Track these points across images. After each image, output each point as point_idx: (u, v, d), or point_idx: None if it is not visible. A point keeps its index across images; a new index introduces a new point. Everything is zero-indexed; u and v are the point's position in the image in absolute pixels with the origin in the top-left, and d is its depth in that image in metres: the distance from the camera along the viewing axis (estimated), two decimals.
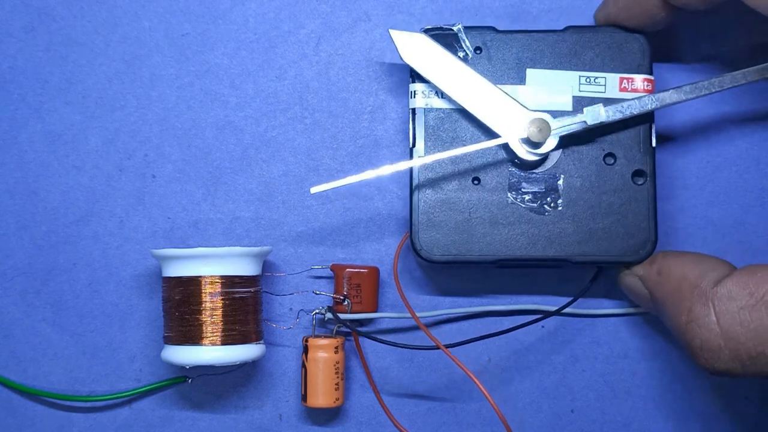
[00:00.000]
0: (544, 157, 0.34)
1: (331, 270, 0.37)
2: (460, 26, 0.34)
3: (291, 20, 0.38)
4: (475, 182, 0.34)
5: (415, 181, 0.34)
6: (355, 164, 0.38)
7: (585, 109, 0.33)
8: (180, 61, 0.38)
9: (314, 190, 0.33)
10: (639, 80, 0.34)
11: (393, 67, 0.38)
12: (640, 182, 0.34)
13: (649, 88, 0.34)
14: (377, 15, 0.38)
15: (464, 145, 0.34)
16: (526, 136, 0.33)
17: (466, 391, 0.37)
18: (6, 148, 0.38)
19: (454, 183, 0.34)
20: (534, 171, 0.34)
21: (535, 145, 0.33)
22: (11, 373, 0.38)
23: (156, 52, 0.38)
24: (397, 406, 0.37)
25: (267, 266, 0.37)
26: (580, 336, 0.37)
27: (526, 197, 0.34)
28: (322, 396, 0.35)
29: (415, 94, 0.34)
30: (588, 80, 0.34)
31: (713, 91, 0.33)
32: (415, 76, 0.34)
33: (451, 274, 0.37)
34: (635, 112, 0.33)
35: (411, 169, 0.34)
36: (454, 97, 0.33)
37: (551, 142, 0.33)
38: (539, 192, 0.34)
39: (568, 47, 0.34)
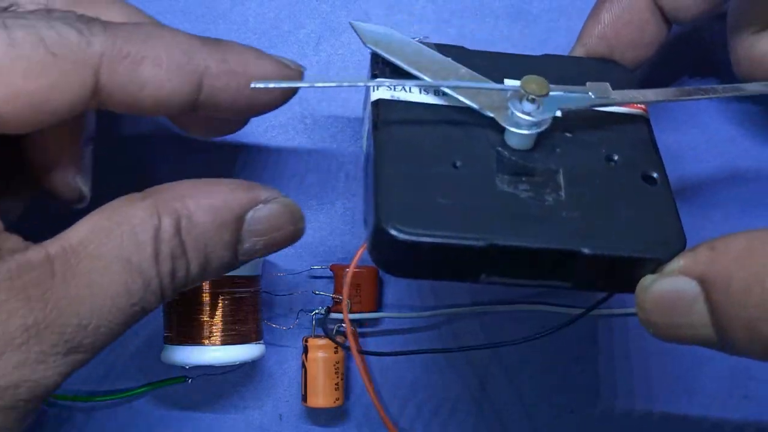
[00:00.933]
0: (536, 142, 0.27)
1: (330, 270, 0.37)
2: (421, 39, 0.30)
3: (291, 20, 0.38)
4: (456, 166, 0.26)
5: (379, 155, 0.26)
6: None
7: (589, 84, 0.28)
8: None
9: (255, 84, 0.26)
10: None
11: None
12: (652, 184, 0.27)
13: (641, 107, 0.30)
14: (377, 15, 0.38)
15: (435, 143, 0.27)
16: (522, 95, 0.26)
17: (467, 392, 0.37)
18: None
19: (431, 165, 0.26)
20: (527, 159, 0.27)
21: (532, 108, 0.26)
22: None
23: None
24: (397, 406, 0.37)
25: (267, 266, 0.37)
26: (581, 336, 0.37)
27: (521, 185, 0.26)
28: (322, 396, 0.35)
29: (377, 87, 0.28)
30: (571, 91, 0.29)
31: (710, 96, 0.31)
32: (379, 72, 0.30)
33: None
34: (639, 98, 0.29)
35: (370, 134, 0.28)
36: (430, 78, 0.28)
37: (547, 115, 0.27)
38: (536, 181, 0.26)
39: (543, 71, 0.27)
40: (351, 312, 0.36)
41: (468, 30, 0.38)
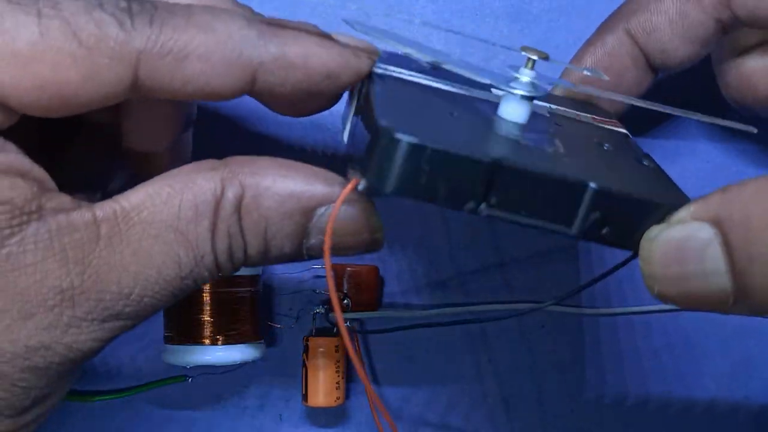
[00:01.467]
0: (528, 122, 0.26)
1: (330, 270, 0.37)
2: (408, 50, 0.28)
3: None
4: (453, 114, 0.25)
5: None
6: None
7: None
8: None
9: None
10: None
11: None
12: (646, 163, 0.27)
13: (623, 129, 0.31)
14: (377, 15, 0.38)
15: (431, 102, 0.26)
16: (524, 64, 0.26)
17: (467, 392, 0.37)
18: None
19: (428, 108, 0.25)
20: (521, 131, 0.26)
21: (530, 74, 0.26)
22: None
23: None
24: (398, 407, 0.37)
25: (267, 266, 0.37)
26: (580, 336, 0.37)
27: (520, 138, 0.25)
28: (323, 395, 0.35)
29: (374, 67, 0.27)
30: (558, 108, 0.30)
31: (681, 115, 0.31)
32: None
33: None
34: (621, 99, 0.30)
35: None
36: (423, 52, 0.28)
37: (543, 84, 0.26)
38: (534, 137, 0.25)
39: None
40: (351, 312, 0.36)
41: (468, 30, 0.38)
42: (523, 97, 0.25)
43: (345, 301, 0.36)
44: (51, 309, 0.21)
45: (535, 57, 0.25)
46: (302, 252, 0.24)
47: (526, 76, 0.26)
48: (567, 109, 0.30)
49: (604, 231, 0.23)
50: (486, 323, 0.37)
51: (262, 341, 0.36)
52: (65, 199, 0.22)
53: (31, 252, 0.20)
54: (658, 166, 0.27)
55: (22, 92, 0.21)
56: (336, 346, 0.35)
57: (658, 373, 0.37)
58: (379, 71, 0.27)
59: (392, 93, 0.25)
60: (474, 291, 0.38)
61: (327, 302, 0.36)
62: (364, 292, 0.36)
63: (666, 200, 0.23)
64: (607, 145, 0.27)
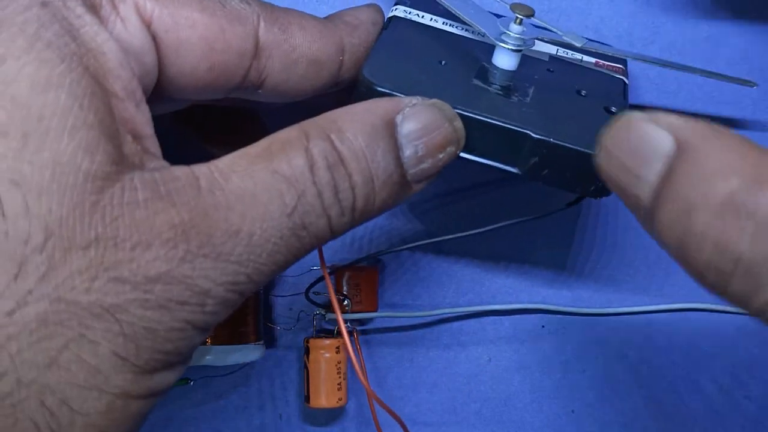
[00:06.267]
0: (519, 68, 0.30)
1: (330, 270, 0.37)
2: None
3: None
4: (442, 63, 0.30)
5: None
6: None
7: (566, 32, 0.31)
8: None
9: None
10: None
11: None
12: (610, 114, 0.30)
13: (622, 75, 0.33)
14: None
15: (431, 48, 0.31)
16: (513, 19, 0.30)
17: (466, 392, 0.37)
18: None
19: (421, 58, 0.30)
20: (506, 77, 0.30)
21: (518, 29, 0.30)
22: None
23: None
24: (398, 407, 0.37)
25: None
26: (580, 336, 0.37)
27: (493, 86, 0.30)
28: (325, 397, 0.35)
29: (396, 9, 0.32)
30: (565, 52, 0.34)
31: (685, 70, 0.32)
32: (399, 1, 0.33)
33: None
34: (610, 53, 0.32)
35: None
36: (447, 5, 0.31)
37: (529, 37, 0.30)
38: (508, 86, 0.30)
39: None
40: (351, 312, 0.36)
41: None
42: (511, 49, 0.30)
43: (345, 302, 0.36)
44: (166, 242, 0.21)
45: (521, 15, 0.30)
46: (404, 168, 0.25)
47: (514, 32, 0.30)
48: (572, 53, 0.33)
49: (545, 173, 0.28)
50: (486, 323, 0.37)
51: (263, 342, 0.36)
52: (164, 162, 0.23)
53: (141, 190, 0.21)
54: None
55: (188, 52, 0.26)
56: (337, 347, 0.35)
57: (657, 373, 0.37)
58: (401, 14, 0.32)
59: (397, 39, 0.30)
60: (474, 292, 0.38)
61: (327, 304, 0.36)
62: (364, 293, 0.36)
63: (593, 148, 0.24)
64: (584, 91, 0.31)
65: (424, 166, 0.25)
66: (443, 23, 0.33)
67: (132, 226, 0.21)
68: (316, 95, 0.30)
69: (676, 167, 0.19)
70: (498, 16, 0.32)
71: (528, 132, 0.27)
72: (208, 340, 0.34)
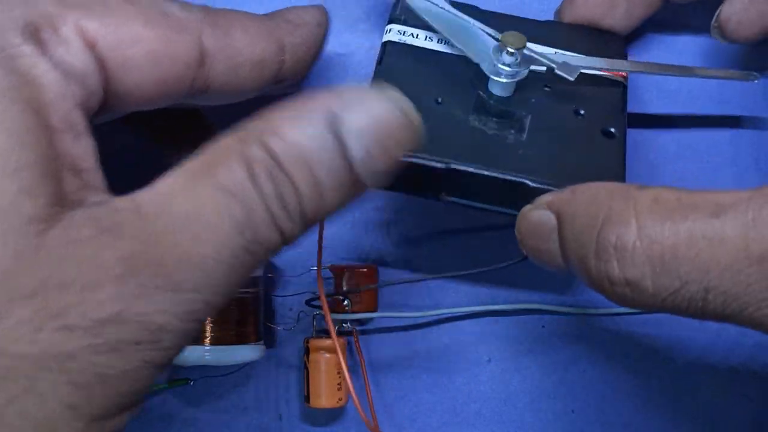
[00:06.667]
0: (515, 91, 0.31)
1: (330, 271, 0.37)
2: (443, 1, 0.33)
3: None
4: (439, 102, 0.31)
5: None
6: None
7: (559, 53, 0.33)
8: None
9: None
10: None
11: None
12: (610, 138, 0.31)
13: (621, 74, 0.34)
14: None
15: (427, 81, 0.31)
16: (502, 48, 0.31)
17: (466, 392, 0.37)
18: None
19: (417, 98, 0.27)
20: (503, 104, 0.31)
21: (510, 59, 0.31)
22: None
23: None
24: (397, 407, 0.37)
25: (267, 267, 0.37)
26: (580, 336, 0.37)
27: (489, 124, 0.31)
28: (325, 397, 0.35)
29: (389, 30, 0.33)
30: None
31: (684, 75, 0.34)
32: (394, 19, 0.34)
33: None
34: (606, 66, 0.33)
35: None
36: (433, 23, 0.32)
37: (523, 68, 0.31)
38: (504, 122, 0.31)
39: (548, 33, 0.34)
40: (351, 312, 0.36)
41: None
42: (505, 82, 0.31)
43: (345, 302, 0.36)
44: (115, 278, 0.20)
45: (513, 49, 0.31)
46: (353, 169, 0.22)
47: (506, 62, 0.31)
48: (576, 55, 0.34)
49: None
50: (486, 323, 0.37)
51: (262, 342, 0.36)
52: (106, 196, 0.22)
53: (84, 227, 0.20)
54: (622, 140, 0.31)
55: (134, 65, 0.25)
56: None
57: (657, 372, 0.37)
58: (395, 38, 0.33)
59: (393, 73, 0.31)
60: (473, 292, 0.38)
61: (328, 305, 0.36)
62: (364, 293, 0.36)
63: None
64: (582, 110, 0.32)
65: (376, 163, 0.22)
66: (438, 41, 0.33)
67: (79, 266, 0.20)
68: (256, 94, 0.30)
69: (561, 234, 0.25)
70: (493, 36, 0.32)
71: (526, 182, 0.29)
72: (208, 341, 0.34)
